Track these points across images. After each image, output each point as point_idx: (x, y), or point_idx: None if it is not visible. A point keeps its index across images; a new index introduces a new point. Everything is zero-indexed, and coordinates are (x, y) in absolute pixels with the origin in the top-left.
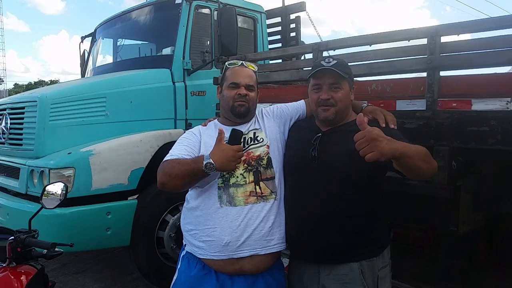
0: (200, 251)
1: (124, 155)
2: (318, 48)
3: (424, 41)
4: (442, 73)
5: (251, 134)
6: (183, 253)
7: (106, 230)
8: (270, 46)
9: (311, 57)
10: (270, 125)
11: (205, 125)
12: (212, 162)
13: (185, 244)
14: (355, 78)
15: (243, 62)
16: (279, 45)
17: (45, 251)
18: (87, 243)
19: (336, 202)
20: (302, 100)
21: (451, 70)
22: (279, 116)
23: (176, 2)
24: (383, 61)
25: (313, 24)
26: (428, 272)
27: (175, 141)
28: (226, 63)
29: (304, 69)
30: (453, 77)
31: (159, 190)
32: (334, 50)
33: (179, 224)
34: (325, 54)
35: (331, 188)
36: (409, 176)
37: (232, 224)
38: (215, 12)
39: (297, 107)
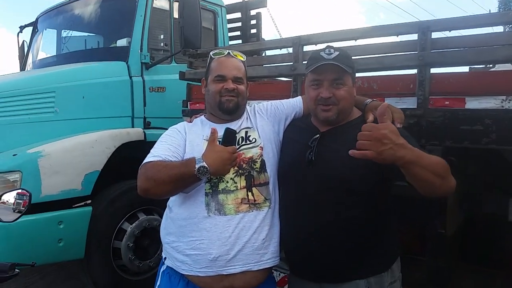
0: (184, 266)
1: (78, 157)
2: (299, 42)
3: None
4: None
5: (242, 133)
6: (163, 268)
7: (58, 241)
8: (230, 42)
9: (291, 51)
10: (263, 123)
11: (191, 122)
12: (206, 165)
13: (165, 258)
14: None
15: (230, 51)
16: (239, 41)
17: None
18: (36, 257)
19: (337, 212)
20: (299, 97)
21: (443, 67)
22: (273, 114)
23: None
24: (371, 57)
25: (273, 21)
26: (416, 277)
27: (133, 141)
28: (211, 53)
29: (282, 64)
30: (444, 74)
31: (115, 195)
32: (316, 45)
33: (138, 232)
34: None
35: (330, 197)
36: (420, 191)
37: (221, 235)
38: (175, 4)
39: (293, 104)
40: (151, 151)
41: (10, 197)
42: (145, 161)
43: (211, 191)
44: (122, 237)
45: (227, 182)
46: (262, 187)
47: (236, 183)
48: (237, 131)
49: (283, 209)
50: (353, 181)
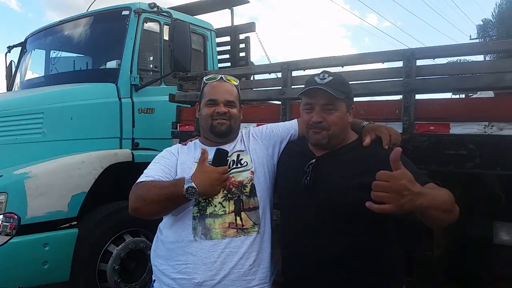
0: None
1: (64, 178)
2: (287, 67)
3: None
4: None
5: (234, 157)
6: None
7: (43, 264)
8: (220, 65)
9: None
10: (257, 147)
11: (185, 144)
12: (194, 186)
13: (154, 280)
14: None
15: (223, 76)
16: (228, 64)
17: None
18: (20, 280)
19: (335, 240)
20: (295, 119)
21: (427, 94)
22: (267, 137)
23: (123, 13)
24: (358, 83)
25: (261, 45)
26: None
27: (121, 163)
28: (204, 78)
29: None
30: (429, 101)
31: (101, 217)
32: (304, 71)
33: (124, 255)
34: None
35: (328, 223)
36: (428, 225)
37: (206, 260)
38: (165, 27)
39: (289, 127)
40: (144, 171)
41: None
42: (137, 181)
43: (198, 215)
44: (108, 259)
45: (215, 206)
46: (251, 212)
47: (224, 207)
48: (229, 154)
49: (282, 236)
50: (350, 204)
